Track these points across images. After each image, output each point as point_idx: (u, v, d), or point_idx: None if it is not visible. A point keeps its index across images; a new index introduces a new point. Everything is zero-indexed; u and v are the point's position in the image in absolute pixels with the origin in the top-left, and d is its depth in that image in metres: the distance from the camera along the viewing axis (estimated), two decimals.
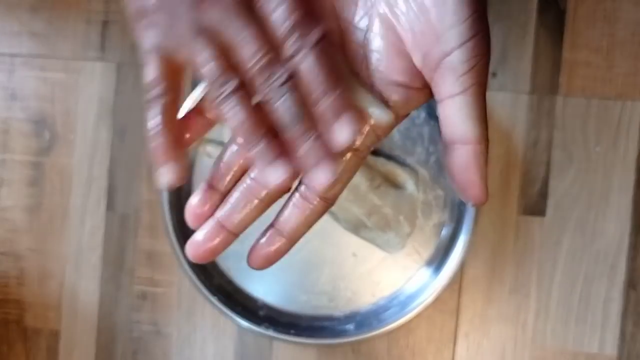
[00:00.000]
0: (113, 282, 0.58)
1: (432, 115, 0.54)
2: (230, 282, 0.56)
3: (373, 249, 0.55)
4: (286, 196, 0.32)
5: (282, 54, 0.27)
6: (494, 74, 0.56)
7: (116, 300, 0.58)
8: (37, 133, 0.58)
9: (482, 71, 0.28)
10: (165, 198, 0.54)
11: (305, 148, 0.27)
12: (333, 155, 0.27)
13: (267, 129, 0.27)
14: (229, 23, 0.27)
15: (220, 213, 0.31)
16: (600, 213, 0.55)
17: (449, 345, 0.56)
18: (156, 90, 0.29)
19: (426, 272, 0.55)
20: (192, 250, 0.31)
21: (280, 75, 0.26)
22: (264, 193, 0.30)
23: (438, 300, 0.55)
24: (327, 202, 0.31)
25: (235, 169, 0.31)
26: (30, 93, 0.58)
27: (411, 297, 0.54)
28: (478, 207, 0.53)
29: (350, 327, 0.55)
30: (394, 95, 0.30)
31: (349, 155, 0.31)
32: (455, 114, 0.28)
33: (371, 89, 0.30)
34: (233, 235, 0.31)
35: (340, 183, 0.31)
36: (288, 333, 0.54)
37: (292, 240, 0.31)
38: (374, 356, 0.57)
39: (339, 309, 0.56)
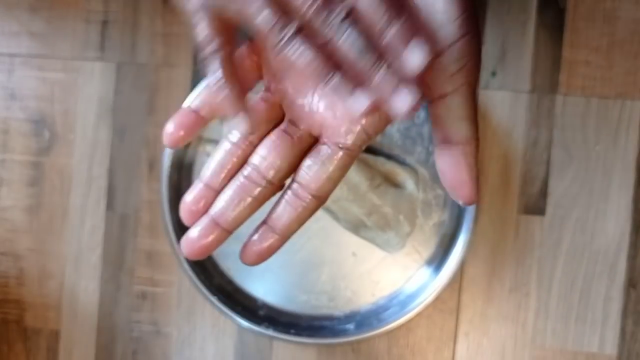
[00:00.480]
0: (113, 282, 0.58)
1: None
2: (230, 282, 0.56)
3: (373, 249, 0.55)
4: (278, 195, 0.32)
5: None
6: (494, 73, 0.56)
7: (116, 300, 0.58)
8: (36, 133, 0.58)
9: (472, 71, 0.28)
10: (165, 198, 0.54)
11: (380, 76, 0.26)
12: (409, 79, 0.26)
13: (337, 64, 0.27)
14: None
15: (214, 210, 0.31)
16: (600, 212, 0.55)
17: (449, 345, 0.56)
18: (212, 46, 0.29)
19: (426, 272, 0.55)
20: (187, 246, 0.31)
21: (340, 11, 0.26)
22: (257, 191, 0.31)
23: (438, 299, 0.55)
24: (319, 200, 0.31)
25: (229, 166, 0.31)
26: (30, 93, 0.58)
27: (411, 297, 0.54)
28: (468, 206, 0.53)
29: (350, 326, 0.55)
30: None
31: (340, 153, 0.31)
32: (446, 114, 0.29)
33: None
34: (227, 232, 0.31)
35: (332, 181, 0.31)
36: (288, 333, 0.54)
37: (285, 236, 0.31)
38: (374, 356, 0.57)
39: (339, 309, 0.56)
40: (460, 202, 0.30)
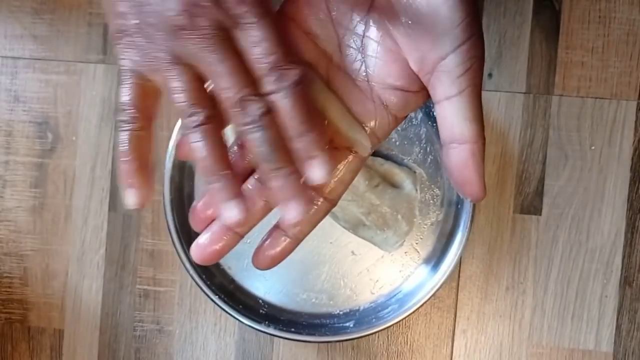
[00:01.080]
0: (116, 281, 0.59)
1: (429, 116, 0.54)
2: (231, 281, 0.57)
3: (372, 248, 0.56)
4: None
5: (259, 90, 0.27)
6: (490, 75, 0.56)
7: (119, 299, 0.59)
8: (40, 135, 0.59)
9: (477, 73, 0.29)
10: (167, 198, 0.55)
11: (277, 184, 0.27)
12: (303, 194, 0.27)
13: (229, 166, 0.28)
14: (206, 55, 0.27)
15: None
16: (596, 211, 0.56)
17: (447, 342, 0.57)
18: (127, 116, 0.29)
19: (424, 270, 0.55)
20: (198, 252, 0.31)
21: (256, 110, 0.27)
22: (268, 194, 0.31)
23: (436, 297, 0.55)
24: (331, 203, 0.32)
25: (240, 171, 0.31)
26: (33, 95, 0.59)
27: (409, 295, 0.54)
28: (476, 203, 0.53)
29: (350, 324, 0.55)
30: (392, 99, 0.30)
31: (350, 157, 0.31)
32: (452, 115, 0.29)
33: (369, 93, 0.31)
34: (239, 236, 0.31)
35: (343, 184, 0.31)
36: (288, 331, 0.54)
37: (297, 240, 0.32)
38: (373, 353, 0.57)
39: (339, 307, 0.56)
40: (468, 199, 0.30)
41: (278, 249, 0.31)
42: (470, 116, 0.29)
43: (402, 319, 0.53)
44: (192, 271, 0.54)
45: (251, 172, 0.31)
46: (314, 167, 0.27)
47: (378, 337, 0.57)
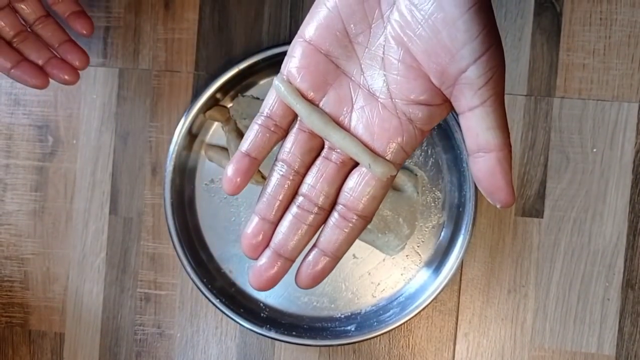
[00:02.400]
0: (117, 285, 0.59)
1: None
2: (232, 285, 0.57)
3: (373, 251, 0.56)
4: None
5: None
6: None
7: (120, 303, 0.59)
8: (40, 138, 0.59)
9: (498, 82, 0.29)
10: (168, 202, 0.55)
11: None
12: None
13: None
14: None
15: (274, 242, 0.33)
16: (598, 214, 0.56)
17: (449, 345, 0.57)
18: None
19: (426, 273, 0.55)
20: (255, 279, 0.33)
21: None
22: (311, 218, 0.32)
23: (437, 300, 0.55)
24: (365, 219, 0.33)
25: (280, 197, 0.33)
26: (33, 99, 0.59)
27: (411, 298, 0.54)
28: (467, 209, 0.53)
29: (351, 328, 0.55)
30: (417, 113, 0.31)
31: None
32: (477, 125, 0.29)
33: (394, 110, 0.31)
34: (290, 261, 0.33)
35: (376, 200, 0.32)
36: (290, 334, 0.54)
37: (336, 258, 0.33)
38: (375, 356, 0.57)
39: (340, 310, 0.56)
40: (498, 206, 0.31)
41: (319, 267, 0.33)
42: (494, 125, 0.29)
43: (404, 323, 0.53)
44: (193, 275, 0.54)
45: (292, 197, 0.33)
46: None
47: (380, 340, 0.57)
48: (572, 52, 0.56)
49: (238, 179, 0.32)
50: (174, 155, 0.55)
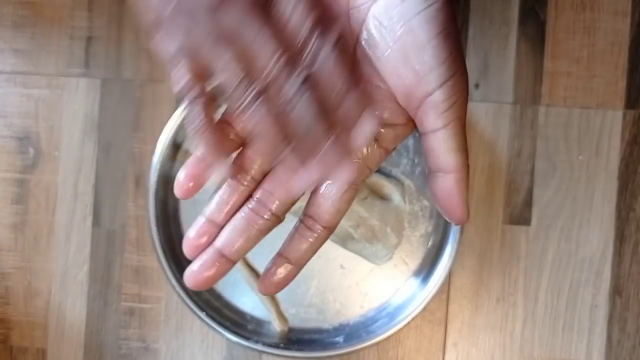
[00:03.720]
0: (100, 298, 0.58)
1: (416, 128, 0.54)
2: (218, 297, 0.56)
3: (361, 261, 0.55)
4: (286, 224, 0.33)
5: (299, 55, 0.27)
6: (477, 85, 0.56)
7: (103, 317, 0.58)
8: (21, 150, 0.58)
9: (461, 106, 0.30)
10: (151, 213, 0.54)
11: (327, 148, 0.28)
12: (351, 153, 0.28)
13: (288, 135, 0.28)
14: (245, 25, 0.27)
15: (219, 241, 0.32)
16: (585, 221, 0.56)
17: (438, 355, 0.56)
18: (193, 92, 0.29)
19: (414, 283, 0.55)
20: (191, 278, 0.32)
21: (299, 74, 0.27)
22: (261, 222, 0.32)
23: (426, 310, 0.55)
24: (329, 230, 0.33)
25: (232, 202, 0.32)
26: (14, 110, 0.58)
27: (399, 308, 0.54)
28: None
29: (340, 339, 0.55)
30: (381, 132, 0.31)
31: (345, 188, 0.32)
32: (438, 147, 0.30)
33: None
34: (231, 262, 0.32)
35: (340, 213, 0.33)
36: (277, 346, 0.54)
37: (300, 266, 0.33)
38: None
39: (328, 321, 0.56)
40: (454, 223, 0.32)
41: (282, 275, 0.33)
42: (454, 147, 0.30)
43: (393, 333, 0.53)
44: (178, 287, 0.54)
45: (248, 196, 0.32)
46: (364, 123, 0.28)
47: (368, 351, 0.56)
48: (557, 60, 0.56)
49: (191, 184, 0.32)
50: (158, 166, 0.54)
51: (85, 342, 0.58)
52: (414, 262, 0.55)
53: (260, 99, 0.27)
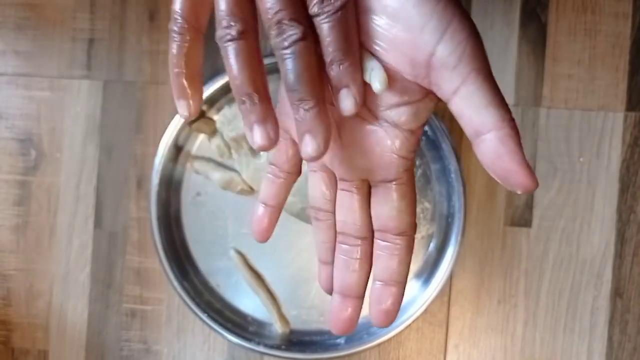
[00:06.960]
0: (102, 300, 0.58)
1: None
2: (220, 299, 0.56)
3: None
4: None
5: (302, 13, 0.26)
6: None
7: (105, 319, 0.58)
8: (23, 152, 0.58)
9: (474, 55, 0.27)
10: (153, 215, 0.54)
11: (298, 115, 0.27)
12: (320, 130, 0.27)
13: (261, 89, 0.27)
14: None
15: (337, 287, 0.33)
16: (586, 223, 0.56)
17: (439, 357, 0.56)
18: (177, 26, 0.29)
19: (415, 285, 0.55)
20: (335, 325, 0.33)
21: (292, 34, 0.26)
22: (358, 251, 0.32)
23: (427, 312, 0.55)
24: (408, 233, 0.31)
25: (328, 240, 0.33)
26: (16, 112, 0.58)
27: (401, 310, 0.54)
28: (457, 219, 0.53)
29: (341, 340, 0.55)
30: (401, 117, 0.29)
31: (393, 186, 0.31)
32: (466, 107, 0.26)
33: (373, 119, 0.30)
34: (359, 299, 0.32)
35: (404, 212, 0.31)
36: (279, 348, 0.54)
37: (404, 283, 0.32)
38: None
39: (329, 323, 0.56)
40: (518, 191, 0.27)
41: (391, 300, 0.32)
42: (484, 103, 0.26)
43: (394, 335, 0.53)
44: (179, 289, 0.54)
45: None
46: (347, 95, 0.27)
47: (369, 353, 0.56)
48: (558, 63, 0.56)
49: (264, 226, 0.33)
50: (159, 168, 0.54)
51: (86, 344, 0.58)
52: (416, 264, 0.55)
53: (236, 41, 0.27)
